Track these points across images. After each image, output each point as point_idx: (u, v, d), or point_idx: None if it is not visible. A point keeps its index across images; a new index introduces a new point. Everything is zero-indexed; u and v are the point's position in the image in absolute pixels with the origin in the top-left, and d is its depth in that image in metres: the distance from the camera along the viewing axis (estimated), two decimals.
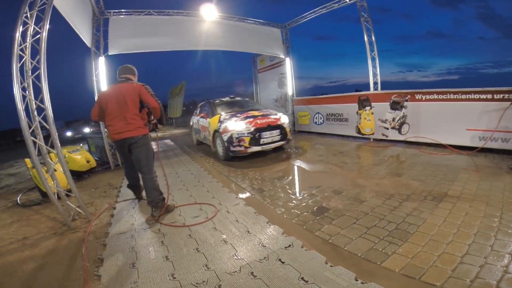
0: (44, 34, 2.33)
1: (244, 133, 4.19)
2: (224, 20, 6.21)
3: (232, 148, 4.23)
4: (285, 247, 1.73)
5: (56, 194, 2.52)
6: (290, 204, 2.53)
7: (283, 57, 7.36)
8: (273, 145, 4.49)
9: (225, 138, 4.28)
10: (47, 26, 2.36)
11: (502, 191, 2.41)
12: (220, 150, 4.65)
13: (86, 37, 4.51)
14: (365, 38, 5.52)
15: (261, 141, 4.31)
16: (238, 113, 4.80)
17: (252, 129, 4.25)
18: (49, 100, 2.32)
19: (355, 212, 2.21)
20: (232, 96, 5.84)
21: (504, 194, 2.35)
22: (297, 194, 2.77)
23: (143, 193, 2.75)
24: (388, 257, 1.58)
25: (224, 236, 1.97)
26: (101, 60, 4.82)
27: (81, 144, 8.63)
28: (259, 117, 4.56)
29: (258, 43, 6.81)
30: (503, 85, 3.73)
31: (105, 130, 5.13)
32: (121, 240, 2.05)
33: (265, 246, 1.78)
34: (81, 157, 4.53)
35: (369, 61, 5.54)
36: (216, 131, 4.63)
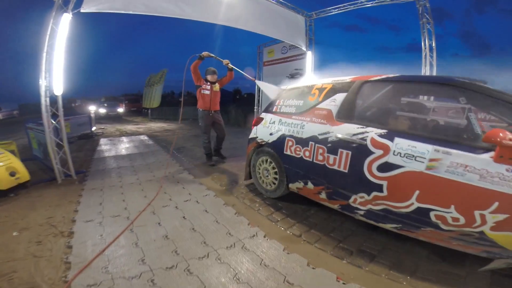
0: None
1: None
2: None
3: None
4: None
5: None
6: None
7: (305, 49, 6.09)
8: None
9: None
10: None
11: None
12: None
13: None
14: (425, 43, 4.57)
15: None
16: None
17: None
18: None
19: None
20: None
21: None
22: None
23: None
24: None
25: None
26: (65, 18, 3.01)
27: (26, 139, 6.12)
28: None
29: (281, 28, 5.43)
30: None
31: (53, 121, 3.23)
32: None
33: None
34: (1, 165, 2.66)
35: (424, 69, 4.58)
36: None
